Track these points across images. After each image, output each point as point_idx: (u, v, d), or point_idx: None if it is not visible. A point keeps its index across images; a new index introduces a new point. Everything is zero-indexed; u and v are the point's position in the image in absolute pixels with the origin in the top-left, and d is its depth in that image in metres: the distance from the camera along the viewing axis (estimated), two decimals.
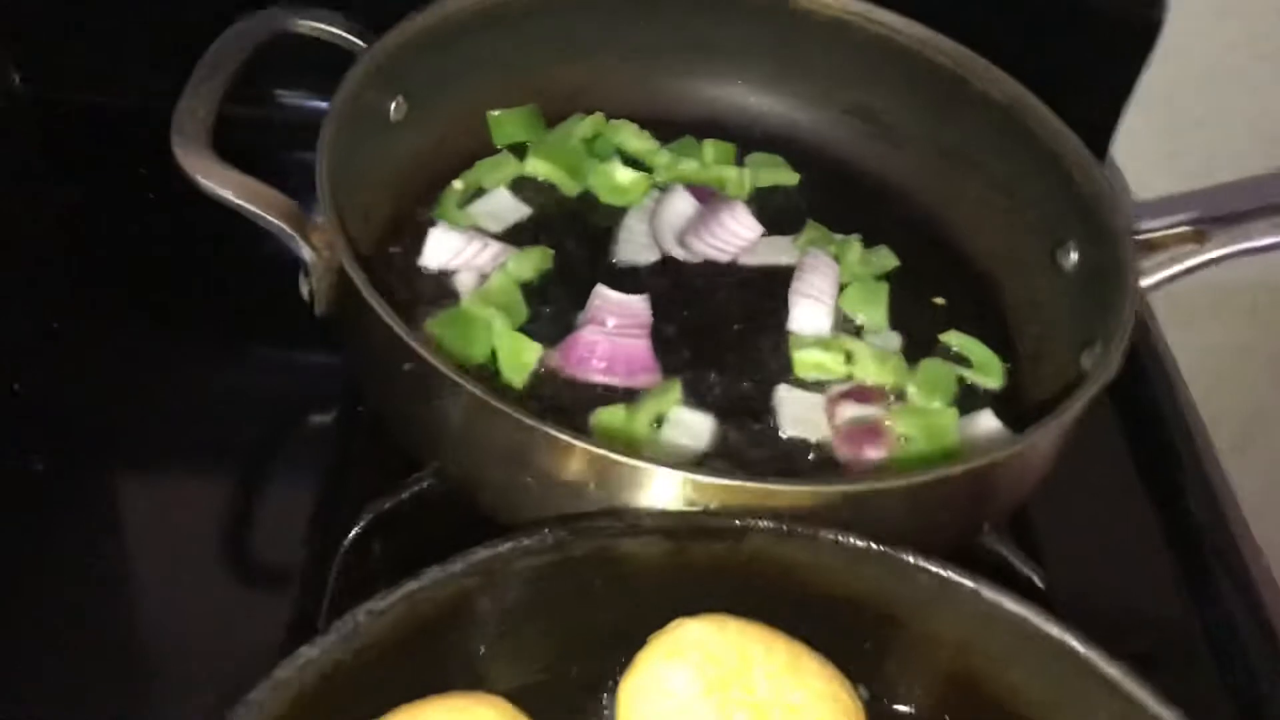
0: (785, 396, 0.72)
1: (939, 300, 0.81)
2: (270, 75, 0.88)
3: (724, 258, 0.80)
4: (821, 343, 0.75)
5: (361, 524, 0.64)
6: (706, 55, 0.87)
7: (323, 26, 0.74)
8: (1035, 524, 0.73)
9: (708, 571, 0.57)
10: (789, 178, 0.86)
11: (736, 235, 0.80)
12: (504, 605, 0.54)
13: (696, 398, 0.72)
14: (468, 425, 0.58)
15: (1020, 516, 0.72)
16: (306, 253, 0.64)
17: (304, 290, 0.66)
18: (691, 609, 0.55)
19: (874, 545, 0.56)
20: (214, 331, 0.80)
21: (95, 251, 0.83)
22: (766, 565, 0.56)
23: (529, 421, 0.55)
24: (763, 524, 0.56)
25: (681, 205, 0.81)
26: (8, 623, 0.64)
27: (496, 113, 0.84)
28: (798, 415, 0.71)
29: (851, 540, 0.56)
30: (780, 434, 0.71)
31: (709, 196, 0.83)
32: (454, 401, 0.57)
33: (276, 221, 0.63)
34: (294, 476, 0.73)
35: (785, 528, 0.56)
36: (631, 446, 0.67)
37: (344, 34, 0.74)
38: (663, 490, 0.56)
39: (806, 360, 0.74)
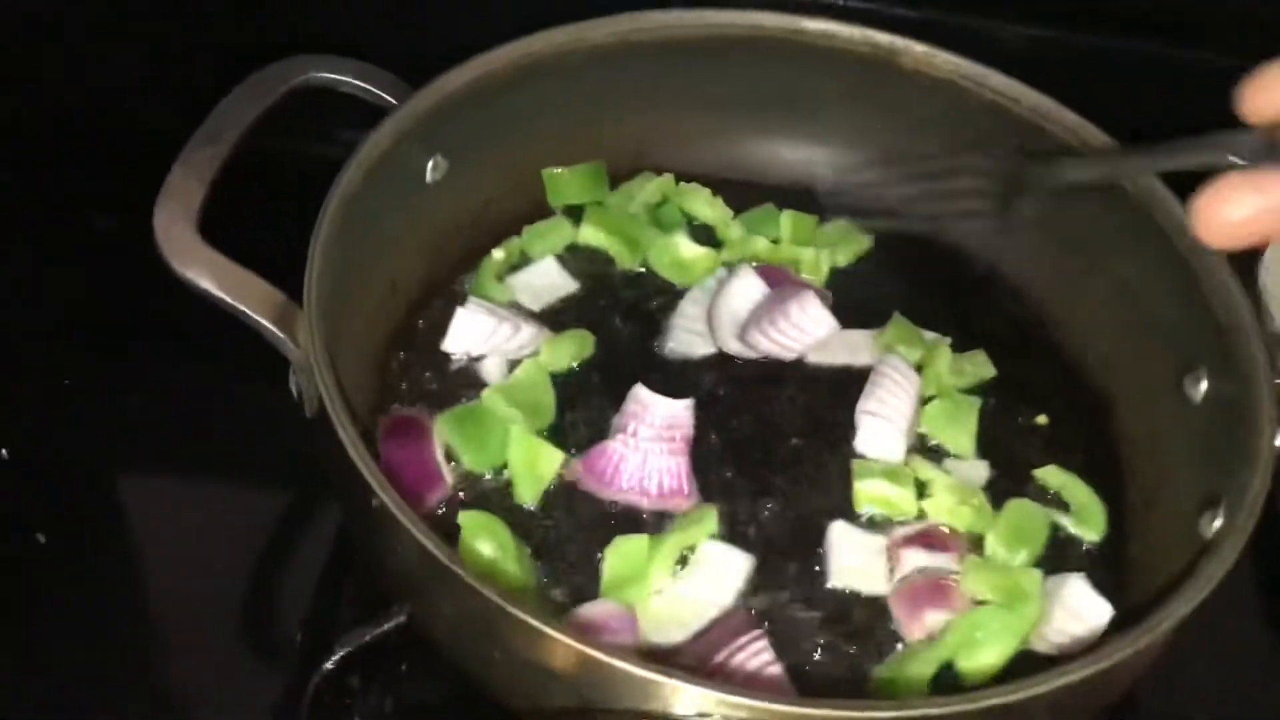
0: (839, 539, 0.63)
1: (1041, 419, 0.69)
2: (306, 116, 0.81)
3: (789, 355, 0.70)
4: (891, 472, 0.64)
5: (334, 659, 0.57)
6: (794, 111, 0.77)
7: (349, 80, 0.66)
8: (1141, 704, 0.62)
9: None
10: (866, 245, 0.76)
11: (805, 331, 0.69)
12: None
13: (735, 530, 0.63)
14: (428, 584, 0.51)
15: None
16: (293, 353, 0.57)
17: (293, 388, 0.59)
18: None
19: None
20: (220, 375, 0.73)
21: (78, 295, 0.77)
22: None
23: (490, 595, 0.47)
24: None
25: (748, 291, 0.71)
26: None
27: (555, 170, 0.75)
28: (851, 564, 0.62)
29: None
30: (827, 584, 0.61)
31: (780, 279, 0.72)
32: (413, 555, 0.50)
33: (258, 319, 0.57)
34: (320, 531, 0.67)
35: None
36: (639, 601, 0.58)
37: (371, 88, 0.67)
38: (650, 697, 0.47)
39: (869, 494, 0.64)
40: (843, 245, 0.75)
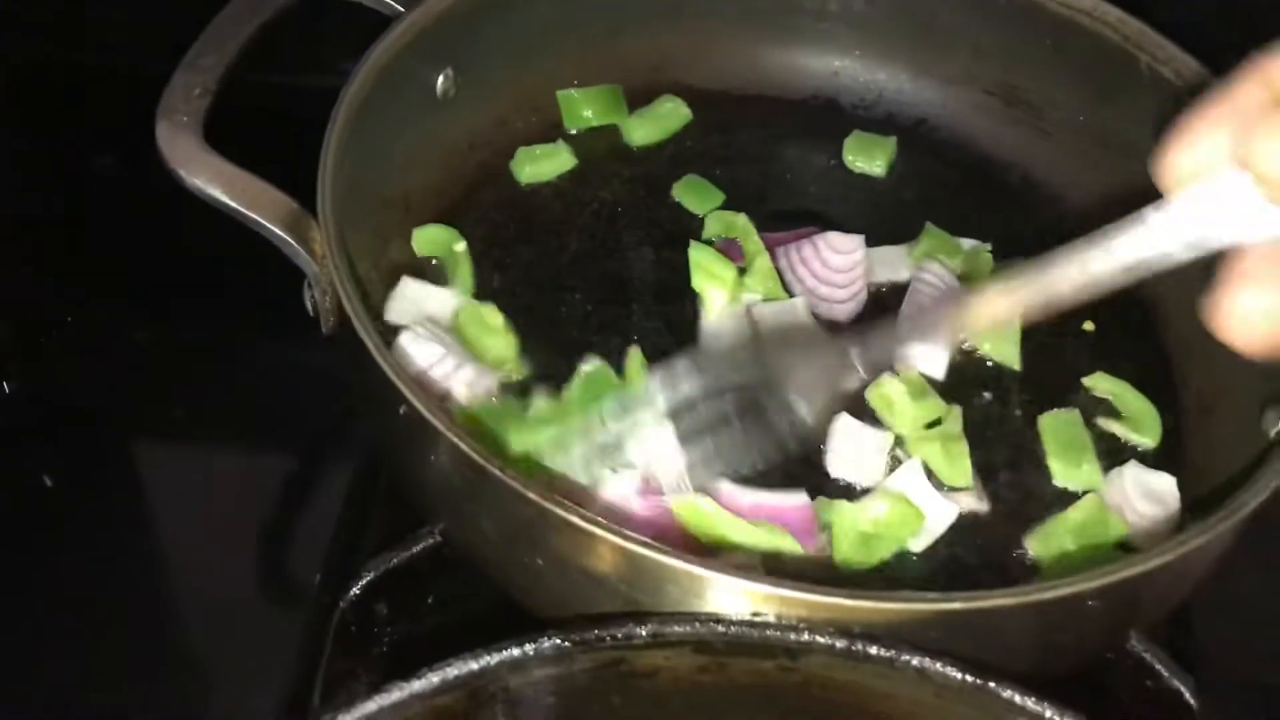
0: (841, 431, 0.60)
1: (1088, 326, 0.66)
2: (300, 40, 0.78)
3: (847, 300, 0.66)
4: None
5: (361, 583, 0.54)
6: (818, 20, 0.74)
7: None
8: (1192, 619, 0.59)
9: (752, 692, 0.45)
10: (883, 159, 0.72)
11: (843, 270, 0.66)
12: None
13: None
14: (467, 492, 0.48)
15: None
16: (307, 264, 0.54)
17: (308, 304, 0.56)
18: None
19: (968, 678, 0.43)
20: (232, 324, 0.71)
21: (90, 239, 0.75)
22: (826, 691, 0.45)
23: (534, 497, 0.44)
24: (822, 640, 0.44)
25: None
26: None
27: (570, 92, 0.72)
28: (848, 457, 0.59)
29: (942, 669, 0.44)
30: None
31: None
32: (451, 462, 0.47)
33: (272, 227, 0.53)
34: (333, 483, 0.65)
35: (852, 646, 0.44)
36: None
37: None
38: (701, 592, 0.44)
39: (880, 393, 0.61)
40: (868, 152, 0.72)
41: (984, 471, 0.60)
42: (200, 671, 0.60)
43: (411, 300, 0.62)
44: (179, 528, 0.64)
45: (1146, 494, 0.57)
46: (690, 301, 0.65)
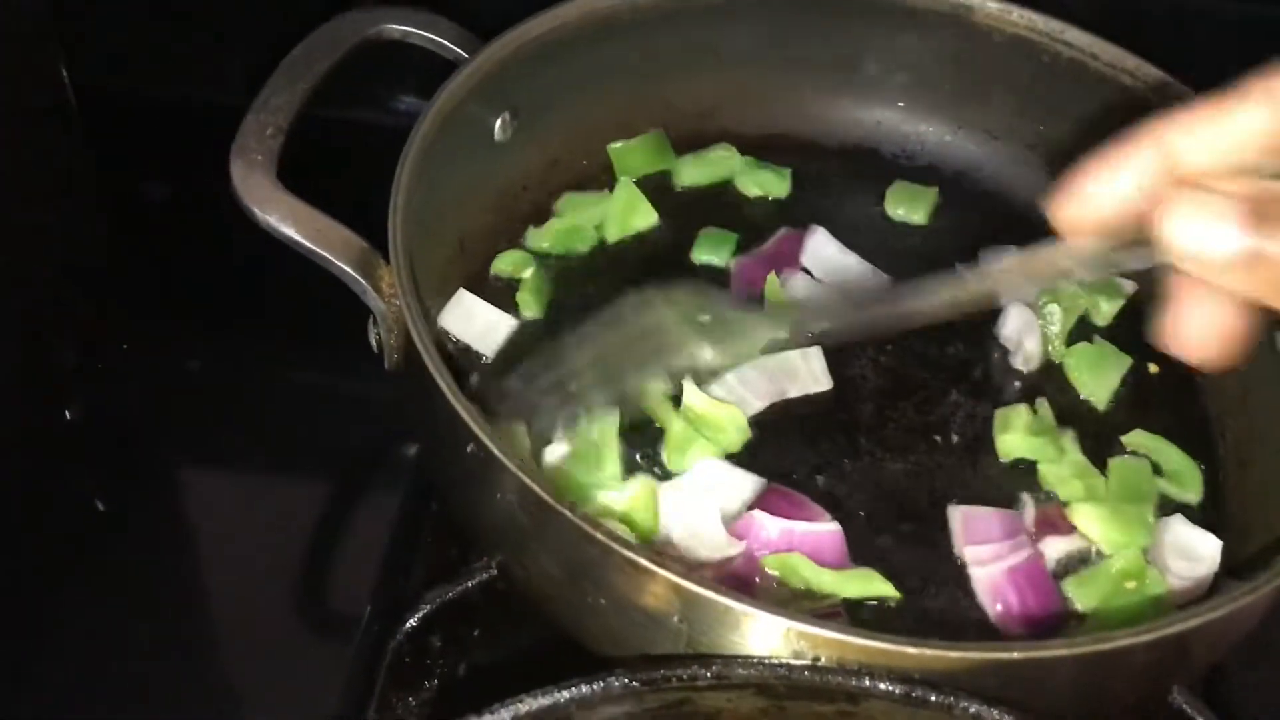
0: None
1: (1154, 367, 0.68)
2: (368, 80, 0.80)
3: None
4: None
5: (418, 615, 0.55)
6: (863, 71, 0.75)
7: (421, 33, 0.65)
8: (1228, 669, 0.60)
9: None
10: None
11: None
12: None
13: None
14: (532, 530, 0.49)
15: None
16: (375, 301, 0.55)
17: (372, 340, 0.58)
18: None
19: None
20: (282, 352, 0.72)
21: (140, 265, 0.76)
22: None
23: (600, 536, 0.45)
24: (883, 686, 0.45)
25: None
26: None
27: (619, 145, 0.73)
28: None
29: (999, 716, 0.45)
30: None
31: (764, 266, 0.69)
32: (516, 499, 0.48)
33: (343, 265, 0.55)
34: (377, 512, 0.65)
35: (911, 693, 0.45)
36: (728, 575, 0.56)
37: (444, 41, 0.65)
38: (762, 636, 0.45)
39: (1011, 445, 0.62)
40: (910, 202, 0.74)
41: None
42: (243, 700, 0.60)
43: (465, 313, 0.65)
44: (226, 555, 0.64)
45: (1186, 551, 0.58)
46: None
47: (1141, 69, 0.69)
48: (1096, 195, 0.43)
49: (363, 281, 0.55)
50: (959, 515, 0.60)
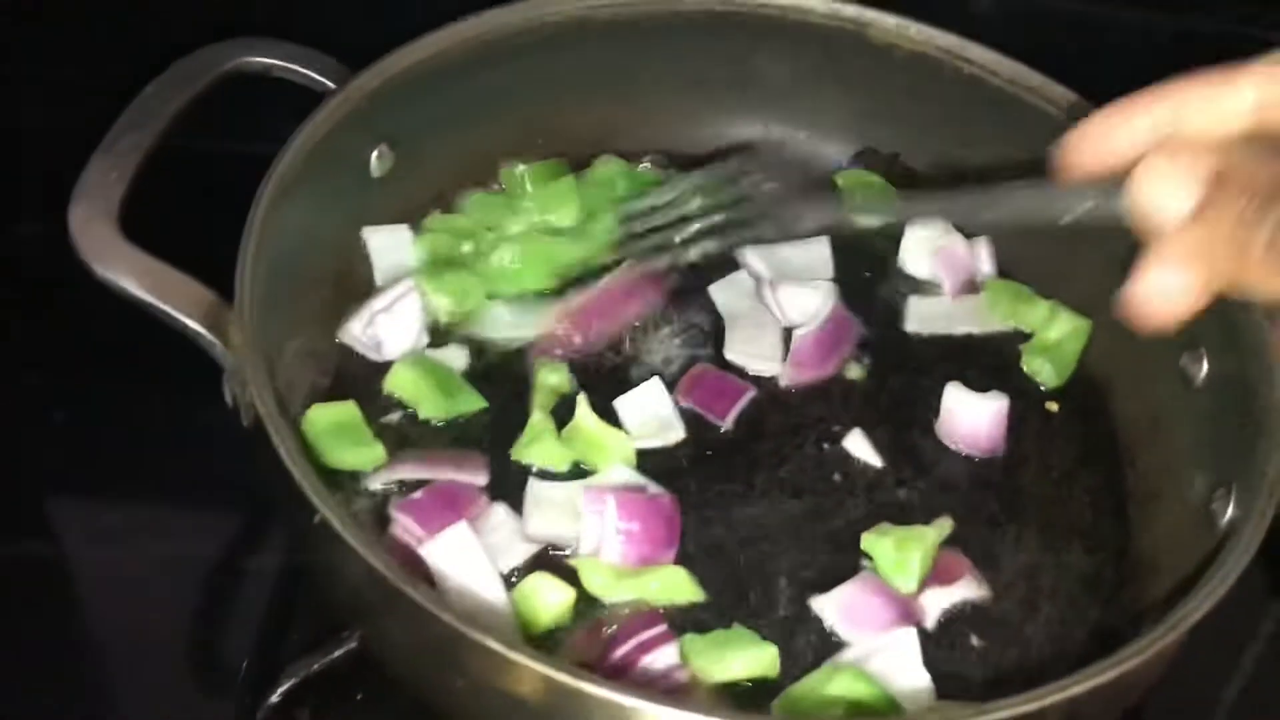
0: None
1: (1051, 406, 0.66)
2: (244, 109, 0.76)
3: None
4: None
5: (280, 691, 0.52)
6: (764, 90, 0.73)
7: (286, 64, 0.62)
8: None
9: None
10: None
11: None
12: None
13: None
14: (379, 607, 0.46)
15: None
16: (225, 357, 0.52)
17: (227, 396, 0.54)
18: None
19: None
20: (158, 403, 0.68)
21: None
22: None
23: (448, 620, 0.42)
24: None
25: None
26: None
27: (514, 169, 0.70)
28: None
29: None
30: None
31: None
32: (361, 576, 0.45)
33: (186, 321, 0.52)
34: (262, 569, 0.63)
35: None
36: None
37: (310, 73, 0.62)
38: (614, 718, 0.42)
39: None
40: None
41: None
42: None
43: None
44: (106, 613, 0.61)
45: None
46: None
47: (1046, 86, 0.66)
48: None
49: (209, 335, 0.52)
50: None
